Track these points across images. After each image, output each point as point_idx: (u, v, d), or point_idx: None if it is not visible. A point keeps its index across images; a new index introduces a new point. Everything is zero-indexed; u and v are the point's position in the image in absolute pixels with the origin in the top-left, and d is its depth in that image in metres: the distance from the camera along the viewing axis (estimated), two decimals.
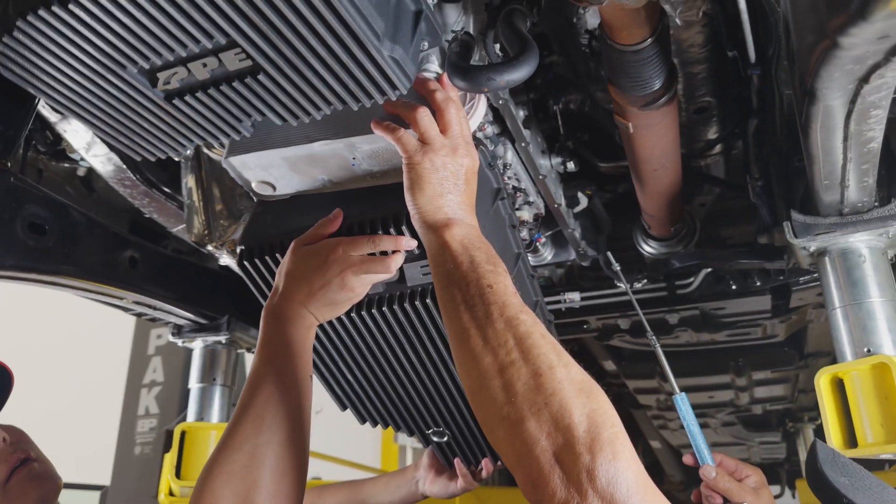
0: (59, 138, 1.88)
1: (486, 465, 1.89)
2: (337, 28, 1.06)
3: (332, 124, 1.39)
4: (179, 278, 2.03)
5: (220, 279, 2.17)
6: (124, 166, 1.91)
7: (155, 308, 1.99)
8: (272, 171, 1.47)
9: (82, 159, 1.91)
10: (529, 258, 2.43)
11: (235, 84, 1.18)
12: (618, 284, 2.35)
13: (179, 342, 2.19)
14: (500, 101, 1.67)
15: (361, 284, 1.34)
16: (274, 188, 1.53)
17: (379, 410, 1.74)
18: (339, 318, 1.47)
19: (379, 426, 1.80)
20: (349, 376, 1.66)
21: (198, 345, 2.22)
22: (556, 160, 2.06)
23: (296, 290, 1.36)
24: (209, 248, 1.89)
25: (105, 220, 1.85)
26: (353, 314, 1.45)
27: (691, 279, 2.29)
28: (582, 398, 0.93)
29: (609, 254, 2.05)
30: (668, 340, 2.55)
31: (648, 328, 1.86)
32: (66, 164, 1.99)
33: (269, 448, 1.21)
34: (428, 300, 1.40)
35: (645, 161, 1.66)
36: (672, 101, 1.44)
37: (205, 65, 1.15)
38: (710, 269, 2.25)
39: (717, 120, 2.16)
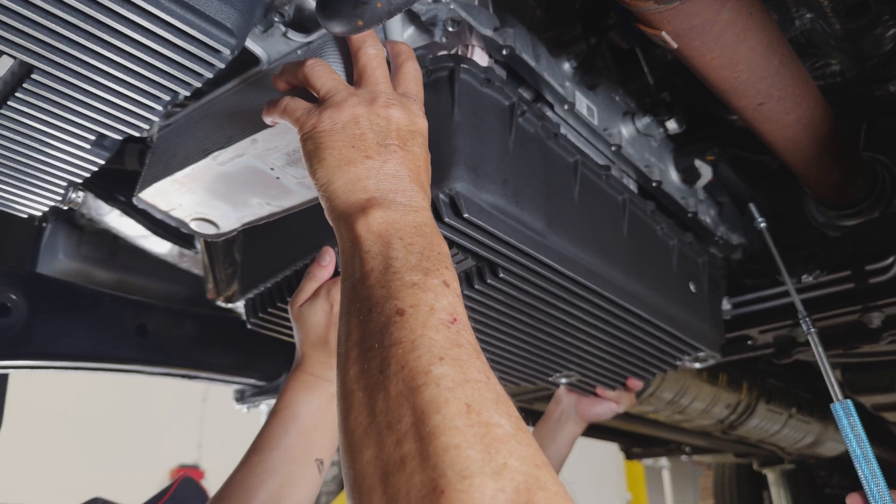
0: None
1: (631, 385, 1.69)
2: None
3: (228, 128, 1.02)
4: (214, 340, 1.76)
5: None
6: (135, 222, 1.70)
7: (190, 377, 1.74)
8: (197, 204, 1.14)
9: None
10: None
11: (21, 94, 0.85)
12: (779, 279, 1.65)
13: (244, 409, 1.93)
14: (505, 52, 1.17)
15: None
16: (216, 225, 1.20)
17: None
18: None
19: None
20: None
21: (262, 409, 1.95)
22: (643, 121, 1.48)
23: (314, 355, 1.12)
24: (220, 303, 1.60)
25: (109, 287, 1.64)
26: None
27: (890, 260, 1.53)
28: None
29: (752, 206, 1.45)
30: (882, 348, 1.77)
31: (801, 308, 1.24)
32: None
33: None
34: (488, 279, 1.14)
35: (734, 92, 1.05)
36: None
37: None
38: None
39: (891, 18, 1.43)
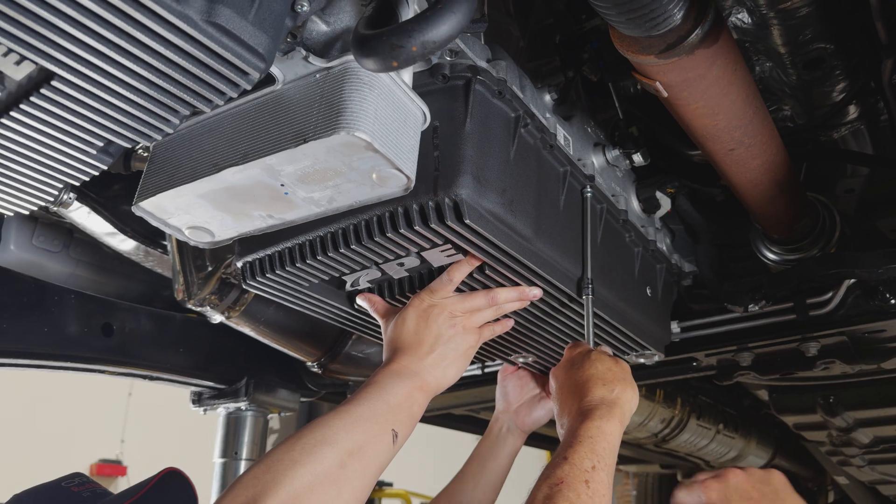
0: None
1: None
2: None
3: (241, 144, 1.04)
4: (176, 340, 1.74)
5: (239, 337, 1.88)
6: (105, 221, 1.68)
7: (152, 378, 1.72)
8: (197, 214, 1.15)
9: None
10: None
11: (36, 99, 0.85)
12: (730, 308, 1.76)
13: (201, 411, 1.92)
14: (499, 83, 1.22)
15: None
16: (212, 234, 1.21)
17: None
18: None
19: None
20: None
21: (220, 412, 1.95)
22: (612, 153, 1.56)
23: (408, 352, 1.25)
24: (190, 305, 1.60)
25: (60, 281, 1.61)
26: (388, 299, 1.37)
27: (829, 295, 1.66)
28: None
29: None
30: (815, 373, 1.91)
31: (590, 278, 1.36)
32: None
33: None
34: (475, 274, 1.27)
35: (710, 138, 1.13)
36: (717, 37, 0.91)
37: None
38: (853, 281, 1.61)
39: (842, 73, 1.55)
